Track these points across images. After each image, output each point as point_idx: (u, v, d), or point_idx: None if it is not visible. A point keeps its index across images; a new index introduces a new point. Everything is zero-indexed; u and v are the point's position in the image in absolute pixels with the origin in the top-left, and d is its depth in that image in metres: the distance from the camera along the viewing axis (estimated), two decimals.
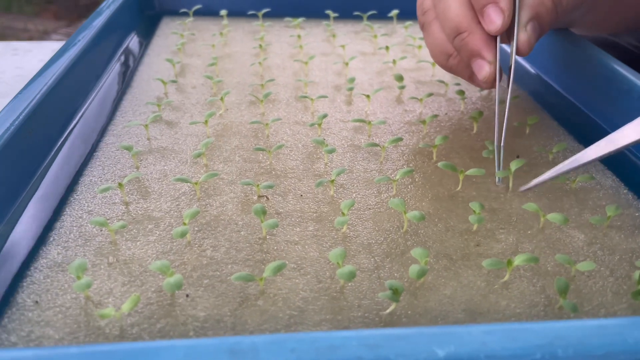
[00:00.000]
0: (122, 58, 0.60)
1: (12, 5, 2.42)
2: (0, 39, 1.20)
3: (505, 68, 0.59)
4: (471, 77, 0.44)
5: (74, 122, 0.45)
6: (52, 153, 0.41)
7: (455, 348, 0.19)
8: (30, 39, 2.13)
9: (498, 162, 0.39)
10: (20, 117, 0.37)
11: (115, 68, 0.57)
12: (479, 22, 0.39)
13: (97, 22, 0.55)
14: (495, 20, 0.38)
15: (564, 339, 0.20)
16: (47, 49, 0.78)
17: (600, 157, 0.31)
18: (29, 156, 0.38)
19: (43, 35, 2.18)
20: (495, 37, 0.40)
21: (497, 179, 0.39)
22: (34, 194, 0.36)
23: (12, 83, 0.65)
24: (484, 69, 0.39)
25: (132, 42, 0.64)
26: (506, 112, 0.39)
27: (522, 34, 0.39)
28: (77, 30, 0.53)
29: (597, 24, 0.54)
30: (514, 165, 0.39)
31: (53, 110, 0.42)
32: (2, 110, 0.37)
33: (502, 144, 0.39)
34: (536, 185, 0.33)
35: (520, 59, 0.61)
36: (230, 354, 0.19)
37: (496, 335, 0.20)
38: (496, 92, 0.40)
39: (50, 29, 2.24)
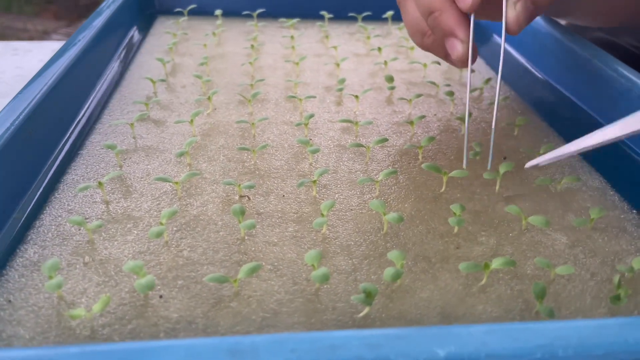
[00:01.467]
0: (122, 58, 0.60)
1: (12, 5, 2.43)
2: (0, 39, 1.20)
3: (491, 58, 0.59)
4: (447, 57, 0.42)
5: (75, 122, 0.45)
6: (55, 154, 0.41)
7: (456, 348, 0.19)
8: (30, 39, 2.14)
9: (467, 149, 0.38)
10: (20, 117, 0.37)
11: (115, 68, 0.57)
12: (452, 3, 0.38)
13: (97, 22, 0.55)
14: None
15: (564, 338, 0.20)
16: (47, 49, 0.78)
17: (610, 140, 0.30)
18: (29, 156, 0.38)
19: (43, 35, 2.19)
20: (468, 16, 0.39)
21: (464, 163, 0.38)
22: (36, 194, 0.36)
23: (12, 83, 0.66)
24: (456, 48, 0.38)
25: (132, 41, 0.65)
26: (495, 104, 0.37)
27: (511, 12, 0.37)
28: (77, 30, 0.53)
29: (602, 13, 0.51)
30: (503, 168, 0.38)
31: (53, 110, 0.42)
32: (2, 110, 0.37)
33: (491, 138, 0.38)
34: (542, 163, 0.32)
35: (519, 58, 0.61)
36: (231, 354, 0.19)
37: (497, 335, 0.20)
38: (468, 72, 0.39)
39: (50, 29, 2.24)
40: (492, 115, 0.37)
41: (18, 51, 0.77)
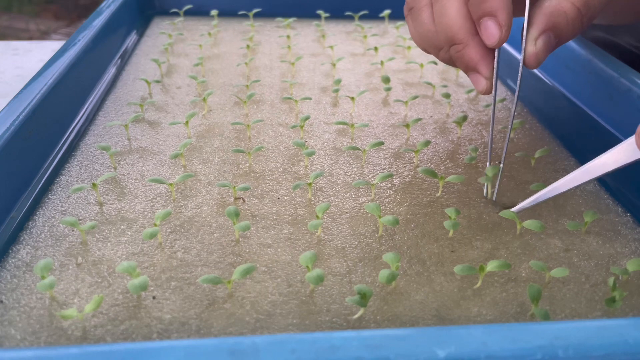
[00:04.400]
0: (122, 58, 0.60)
1: (12, 5, 2.43)
2: (0, 39, 1.20)
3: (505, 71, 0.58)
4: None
5: (75, 122, 0.45)
6: (53, 154, 0.40)
7: (456, 348, 0.19)
8: (30, 39, 2.14)
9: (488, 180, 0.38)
10: (20, 117, 0.37)
11: (115, 68, 0.57)
12: (476, 33, 0.36)
13: (97, 22, 0.55)
14: (493, 34, 0.35)
15: (564, 339, 0.20)
16: (47, 49, 0.78)
17: (578, 186, 0.33)
18: (28, 157, 0.38)
19: (43, 35, 2.19)
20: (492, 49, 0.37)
21: (484, 193, 0.38)
22: (32, 196, 0.36)
23: (12, 83, 0.65)
24: (480, 84, 0.37)
25: (132, 41, 0.64)
26: (508, 134, 0.37)
27: (530, 47, 0.35)
28: (77, 30, 0.53)
29: (619, 12, 0.50)
30: (490, 172, 0.38)
31: (53, 110, 0.42)
32: (2, 110, 0.37)
33: (501, 165, 0.38)
34: (525, 207, 0.35)
35: (516, 56, 0.60)
36: (231, 355, 0.19)
37: (496, 336, 0.20)
38: (493, 105, 0.37)
39: (50, 29, 2.25)
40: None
41: (18, 51, 0.76)
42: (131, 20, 0.67)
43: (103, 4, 0.61)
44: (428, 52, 0.41)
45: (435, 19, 0.38)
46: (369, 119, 0.49)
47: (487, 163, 0.38)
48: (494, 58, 0.36)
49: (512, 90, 0.55)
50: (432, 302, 0.29)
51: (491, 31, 0.35)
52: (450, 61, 0.40)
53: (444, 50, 0.39)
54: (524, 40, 0.35)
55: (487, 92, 0.37)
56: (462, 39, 0.36)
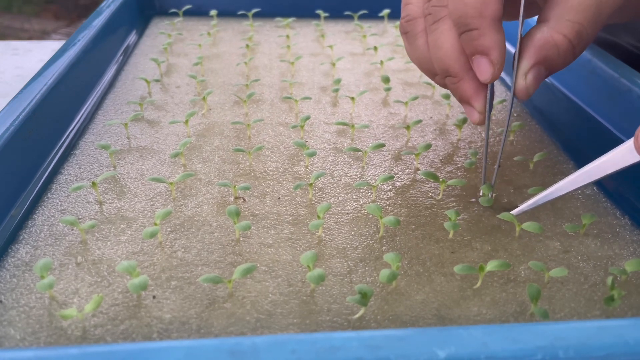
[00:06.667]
0: (122, 58, 0.59)
1: (12, 5, 2.43)
2: (0, 39, 1.19)
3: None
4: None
5: (75, 122, 0.45)
6: (52, 153, 0.40)
7: (456, 349, 0.19)
8: (30, 39, 2.14)
9: (484, 180, 0.38)
10: (20, 117, 0.37)
11: (115, 67, 0.57)
12: (470, 68, 0.36)
13: (97, 22, 0.55)
14: (485, 71, 0.35)
15: (564, 340, 0.20)
16: (47, 49, 0.78)
17: (577, 189, 0.33)
18: (28, 156, 0.38)
19: (43, 35, 2.19)
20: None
21: (479, 198, 0.38)
22: (31, 195, 0.36)
23: (12, 83, 0.65)
24: (474, 116, 0.37)
25: (132, 41, 0.64)
26: (503, 141, 0.37)
27: (521, 81, 0.34)
28: (77, 30, 0.53)
29: (621, 13, 0.50)
30: (487, 190, 0.38)
31: (53, 110, 0.42)
32: (2, 110, 0.37)
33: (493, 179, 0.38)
34: (524, 210, 0.35)
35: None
36: (231, 355, 0.19)
37: (497, 336, 0.20)
38: (486, 132, 0.37)
39: (50, 29, 2.25)
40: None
41: (18, 51, 0.76)
42: (131, 20, 0.67)
43: (103, 4, 0.61)
44: (427, 75, 0.41)
45: (430, 49, 0.37)
46: (369, 119, 0.49)
47: (482, 181, 0.38)
48: (487, 90, 0.36)
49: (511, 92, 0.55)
50: (432, 302, 0.29)
51: (484, 68, 0.34)
52: (445, 86, 0.39)
53: (439, 76, 0.38)
54: (514, 73, 0.35)
55: (480, 124, 0.37)
56: (457, 73, 0.36)
